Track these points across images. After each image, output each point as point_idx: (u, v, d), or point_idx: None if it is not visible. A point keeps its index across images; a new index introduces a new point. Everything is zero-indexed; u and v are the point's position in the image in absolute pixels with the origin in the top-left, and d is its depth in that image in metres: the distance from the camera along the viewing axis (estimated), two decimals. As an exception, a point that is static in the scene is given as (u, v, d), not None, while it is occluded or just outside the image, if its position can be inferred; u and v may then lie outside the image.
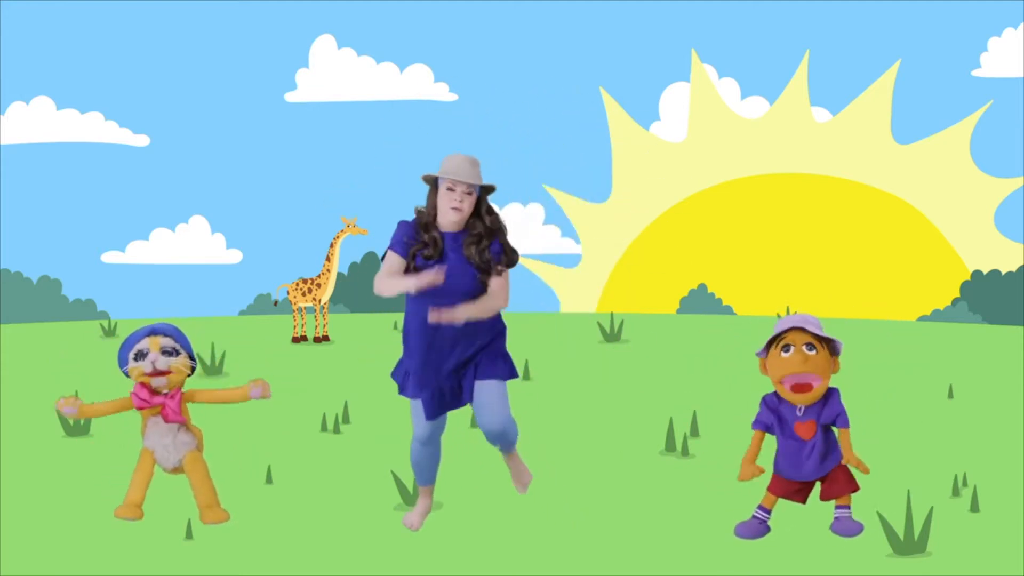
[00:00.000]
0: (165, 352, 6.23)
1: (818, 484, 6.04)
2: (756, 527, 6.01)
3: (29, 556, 5.75)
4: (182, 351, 6.27)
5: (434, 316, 5.76)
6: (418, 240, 5.98)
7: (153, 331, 6.28)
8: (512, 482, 6.40)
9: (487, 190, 6.03)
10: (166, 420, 6.26)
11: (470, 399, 6.01)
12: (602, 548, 5.90)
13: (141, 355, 6.22)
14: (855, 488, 5.95)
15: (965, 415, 9.41)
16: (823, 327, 5.90)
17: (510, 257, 6.00)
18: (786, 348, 5.80)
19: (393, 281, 5.87)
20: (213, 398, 6.43)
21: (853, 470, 5.96)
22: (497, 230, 6.00)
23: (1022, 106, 16.35)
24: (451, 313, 5.77)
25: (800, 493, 6.03)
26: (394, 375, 6.19)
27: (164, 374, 6.20)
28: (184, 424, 6.32)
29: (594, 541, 6.01)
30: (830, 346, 5.88)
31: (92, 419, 8.80)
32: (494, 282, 5.97)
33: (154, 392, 6.25)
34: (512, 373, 6.06)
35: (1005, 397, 10.17)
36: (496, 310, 5.99)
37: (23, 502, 6.72)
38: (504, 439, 6.08)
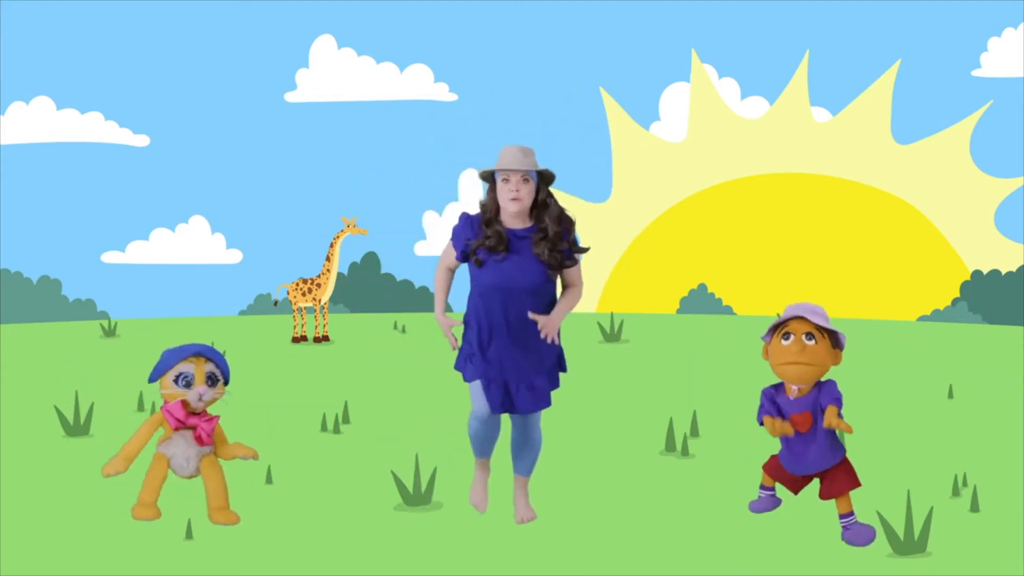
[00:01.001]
0: (210, 381, 6.20)
1: (816, 481, 6.03)
2: (768, 501, 6.03)
3: (29, 556, 5.75)
4: (220, 377, 6.26)
5: (545, 333, 5.92)
6: (481, 234, 5.99)
7: (199, 353, 6.24)
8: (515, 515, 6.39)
9: (545, 178, 6.03)
10: (200, 444, 6.25)
11: (526, 410, 6.09)
12: (602, 548, 5.90)
13: (184, 380, 6.17)
14: (856, 484, 5.94)
15: (965, 415, 9.41)
16: (829, 318, 5.90)
17: (580, 249, 6.08)
18: (786, 336, 5.81)
19: (437, 287, 6.13)
20: (231, 450, 6.38)
21: (850, 476, 5.96)
22: (563, 224, 6.00)
23: (1022, 106, 16.35)
24: (551, 325, 5.92)
25: (795, 483, 6.03)
26: (457, 364, 6.19)
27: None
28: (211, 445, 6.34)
29: (594, 541, 6.01)
30: (832, 338, 5.87)
31: (91, 421, 8.82)
32: (572, 274, 6.08)
33: (188, 412, 6.23)
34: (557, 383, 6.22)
35: (1005, 397, 10.17)
36: (579, 299, 6.17)
37: (23, 502, 6.72)
38: (532, 454, 6.25)
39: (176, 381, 6.16)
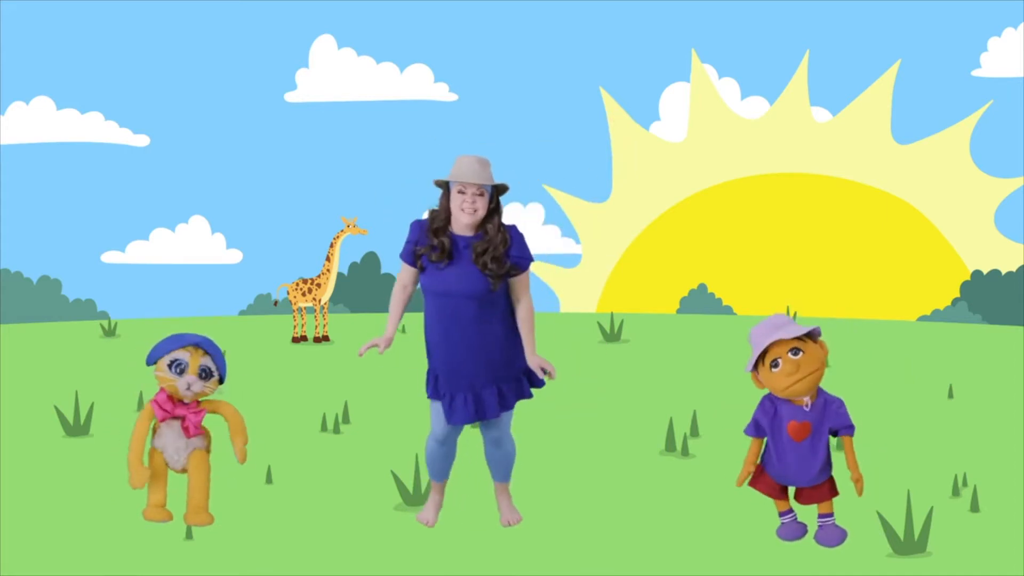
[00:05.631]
0: (203, 374, 6.19)
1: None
2: (795, 528, 6.00)
3: (29, 556, 5.75)
4: (216, 373, 6.25)
5: (548, 374, 6.07)
6: (427, 243, 5.99)
7: (197, 344, 6.23)
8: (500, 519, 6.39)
9: (500, 190, 6.03)
10: (187, 435, 6.25)
11: (493, 415, 6.07)
12: (602, 548, 5.90)
13: (178, 367, 6.18)
14: (836, 493, 5.95)
15: (965, 415, 9.41)
16: (795, 321, 5.91)
17: (527, 260, 6.03)
18: (775, 363, 5.79)
19: (391, 308, 6.15)
20: (234, 420, 6.34)
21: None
22: (504, 237, 5.98)
23: (1022, 106, 16.35)
24: (539, 363, 6.06)
25: (785, 492, 6.03)
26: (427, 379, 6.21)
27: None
28: (200, 434, 6.33)
29: (594, 541, 6.01)
30: (811, 336, 5.87)
31: (91, 421, 8.82)
32: (519, 285, 6.04)
33: (176, 403, 6.23)
34: (522, 397, 6.21)
35: (1005, 397, 10.17)
36: (532, 314, 6.12)
37: (23, 502, 6.72)
38: (506, 462, 6.26)
39: (170, 367, 6.17)
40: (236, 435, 6.29)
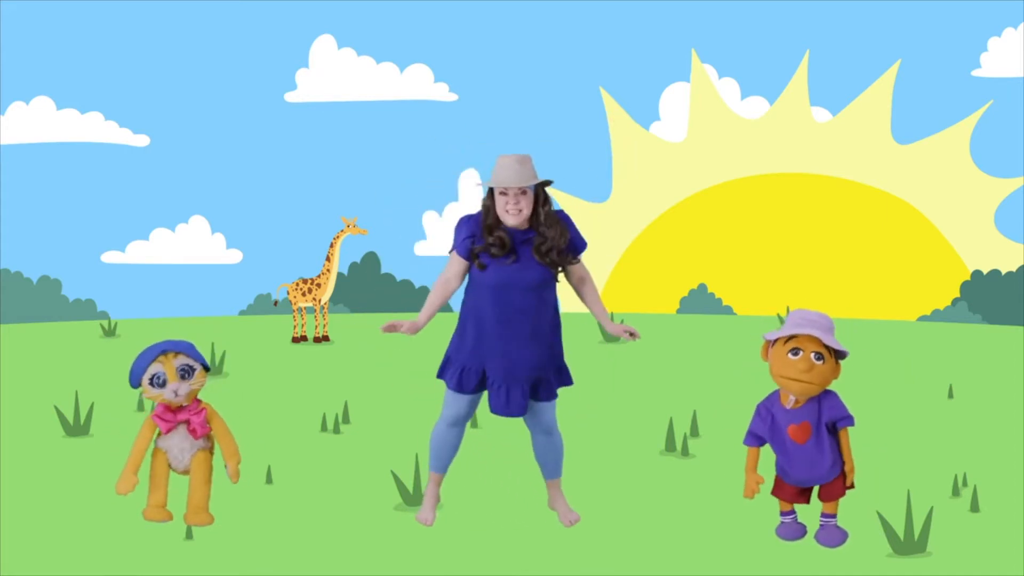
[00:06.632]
0: (183, 373, 6.19)
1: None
2: (795, 528, 6.01)
3: (29, 556, 5.75)
4: (197, 365, 6.25)
5: (629, 335, 6.19)
6: (484, 240, 5.99)
7: (164, 350, 6.23)
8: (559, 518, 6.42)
9: (543, 184, 6.05)
10: (195, 436, 6.26)
11: (547, 399, 6.15)
12: (602, 548, 5.90)
13: (158, 380, 6.18)
14: (850, 487, 5.96)
15: (965, 415, 9.41)
16: (834, 331, 5.88)
17: (581, 247, 6.20)
18: (795, 351, 5.77)
19: (430, 300, 6.09)
20: (223, 435, 6.34)
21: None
22: (562, 229, 6.02)
23: (1022, 106, 16.34)
24: (621, 328, 6.20)
25: (804, 495, 6.03)
26: (441, 369, 6.23)
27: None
28: (207, 434, 6.33)
29: (594, 541, 6.02)
30: (838, 354, 5.86)
31: (91, 421, 8.82)
32: (579, 269, 6.22)
33: (175, 409, 6.23)
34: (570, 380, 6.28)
35: (1005, 397, 10.17)
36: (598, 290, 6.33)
37: (23, 502, 6.72)
38: (556, 455, 6.30)
39: (152, 383, 6.18)
40: (229, 458, 6.29)
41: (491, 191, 6.01)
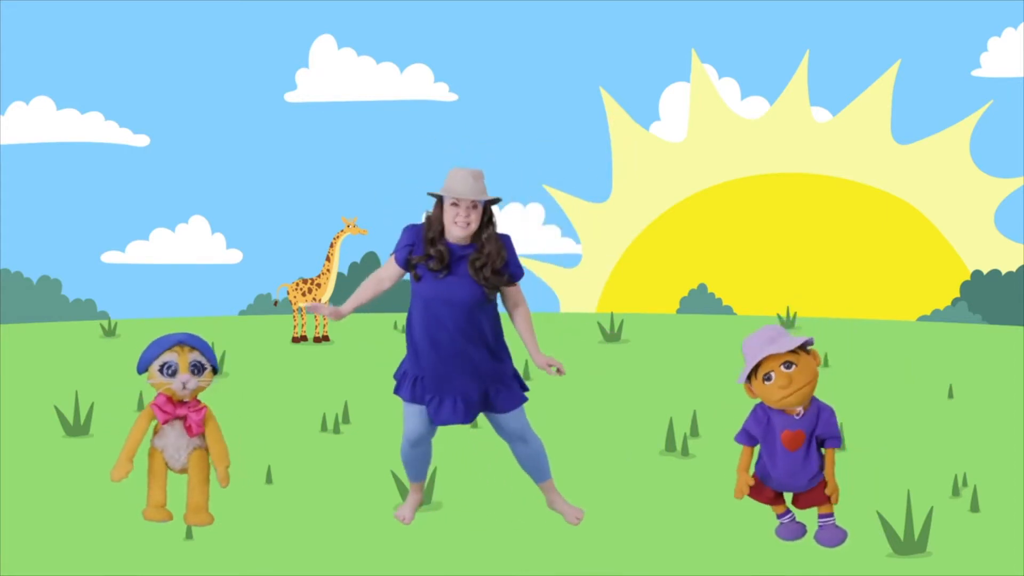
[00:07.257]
0: (194, 369, 6.19)
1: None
2: (795, 528, 6.01)
3: (29, 556, 5.75)
4: (208, 365, 6.25)
5: (555, 371, 6.08)
6: (424, 251, 6.00)
7: (181, 342, 6.24)
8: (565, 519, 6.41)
9: (492, 201, 6.05)
10: (190, 434, 6.26)
11: (471, 420, 6.10)
12: (602, 548, 5.90)
13: (169, 369, 6.18)
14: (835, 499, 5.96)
15: (965, 415, 9.41)
16: (788, 333, 5.91)
17: (521, 272, 6.12)
18: (767, 377, 5.80)
19: (360, 291, 6.12)
20: (215, 440, 6.34)
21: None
22: (499, 248, 6.00)
23: (1022, 106, 16.35)
24: (546, 361, 6.10)
25: (780, 498, 6.04)
26: (396, 374, 6.23)
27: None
28: (202, 433, 6.33)
29: (595, 541, 6.01)
30: (803, 348, 5.87)
31: (91, 421, 8.82)
32: (515, 294, 6.12)
33: (176, 403, 6.24)
34: (524, 395, 6.22)
35: (1005, 397, 10.17)
36: (531, 317, 6.22)
37: (23, 502, 6.72)
38: (538, 460, 6.25)
39: (161, 371, 6.18)
40: (219, 462, 6.29)
41: (439, 203, 6.02)
